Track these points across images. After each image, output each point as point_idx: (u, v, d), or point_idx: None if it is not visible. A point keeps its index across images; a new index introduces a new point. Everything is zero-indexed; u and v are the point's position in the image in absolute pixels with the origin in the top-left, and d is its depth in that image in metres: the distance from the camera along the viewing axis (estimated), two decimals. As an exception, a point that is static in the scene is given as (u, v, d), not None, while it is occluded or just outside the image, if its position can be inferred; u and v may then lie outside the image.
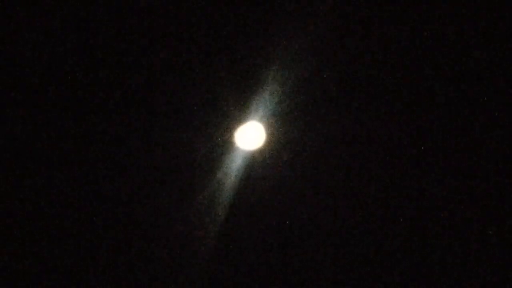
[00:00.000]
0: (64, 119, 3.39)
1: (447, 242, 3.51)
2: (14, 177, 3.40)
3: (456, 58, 3.43)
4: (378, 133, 3.46)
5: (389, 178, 3.50)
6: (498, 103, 3.45)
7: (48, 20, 3.33)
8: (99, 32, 3.33)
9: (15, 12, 3.31)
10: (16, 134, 3.39)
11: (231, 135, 3.41)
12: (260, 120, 3.40)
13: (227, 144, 3.41)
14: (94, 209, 3.42)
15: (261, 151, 3.43)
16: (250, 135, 3.42)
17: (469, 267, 3.49)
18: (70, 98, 3.38)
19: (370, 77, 3.42)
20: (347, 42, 3.37)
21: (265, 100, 3.37)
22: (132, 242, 3.43)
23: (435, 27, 3.38)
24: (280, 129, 3.42)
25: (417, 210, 3.51)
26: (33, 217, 3.43)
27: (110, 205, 3.42)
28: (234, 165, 3.42)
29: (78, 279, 3.43)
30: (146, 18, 3.33)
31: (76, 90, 3.37)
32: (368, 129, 3.45)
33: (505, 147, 3.47)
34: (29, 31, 3.33)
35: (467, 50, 3.43)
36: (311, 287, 3.47)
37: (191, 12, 3.31)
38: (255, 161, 3.44)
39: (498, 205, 3.50)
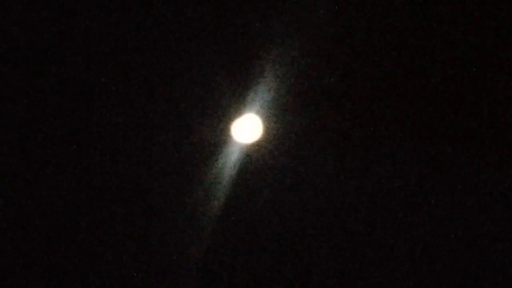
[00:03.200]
0: (61, 113, 3.35)
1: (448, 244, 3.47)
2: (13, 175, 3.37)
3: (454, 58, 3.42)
4: (378, 128, 3.42)
5: (389, 173, 3.45)
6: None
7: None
8: (92, 27, 3.31)
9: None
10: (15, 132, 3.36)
11: (227, 128, 3.36)
12: (257, 113, 3.36)
13: (223, 137, 3.36)
14: (88, 204, 3.35)
15: (258, 145, 3.38)
16: (247, 128, 3.37)
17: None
18: (66, 92, 3.34)
19: (370, 71, 3.39)
20: (346, 35, 3.35)
21: (263, 92, 3.34)
22: (127, 237, 3.36)
23: (435, 26, 3.37)
24: (278, 122, 3.38)
25: (417, 208, 3.46)
26: (25, 214, 3.37)
27: (104, 199, 3.36)
28: (230, 159, 3.37)
29: (72, 277, 3.36)
30: (142, 12, 3.31)
31: (72, 84, 3.34)
32: (367, 123, 3.41)
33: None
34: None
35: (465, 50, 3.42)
36: (309, 284, 3.39)
37: (187, 4, 3.30)
38: (252, 154, 3.38)
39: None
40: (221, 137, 3.36)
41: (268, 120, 3.37)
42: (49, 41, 3.31)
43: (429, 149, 3.44)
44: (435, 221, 3.44)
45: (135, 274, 3.36)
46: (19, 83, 3.34)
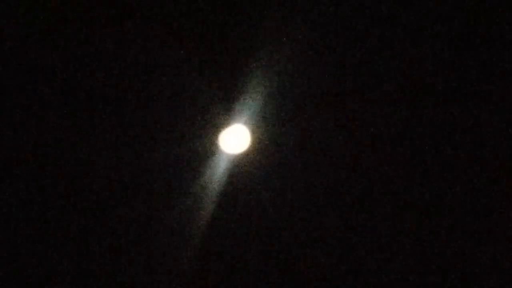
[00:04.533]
0: (50, 120, 3.33)
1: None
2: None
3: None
4: (365, 136, 3.40)
5: (377, 180, 3.47)
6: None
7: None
8: (86, 32, 3.23)
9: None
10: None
11: (215, 139, 3.35)
12: (245, 123, 3.34)
13: (211, 148, 3.35)
14: (77, 216, 3.38)
15: (246, 155, 3.38)
16: (235, 139, 3.36)
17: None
18: (58, 99, 3.30)
19: (356, 80, 3.34)
20: (332, 45, 3.28)
21: (250, 103, 3.30)
22: (114, 248, 3.40)
23: (425, 30, 3.29)
24: (266, 133, 3.36)
25: (401, 211, 3.49)
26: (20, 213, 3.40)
27: (89, 210, 3.38)
28: (218, 169, 3.37)
29: (68, 279, 3.43)
30: (129, 20, 3.22)
31: (63, 93, 3.30)
32: (354, 132, 3.39)
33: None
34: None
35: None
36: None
37: (174, 14, 3.21)
38: (240, 165, 3.38)
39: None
40: (208, 148, 3.36)
41: (256, 130, 3.35)
42: (48, 43, 3.25)
43: (422, 160, 3.45)
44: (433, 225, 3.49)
45: (123, 282, 3.42)
46: (18, 83, 3.31)
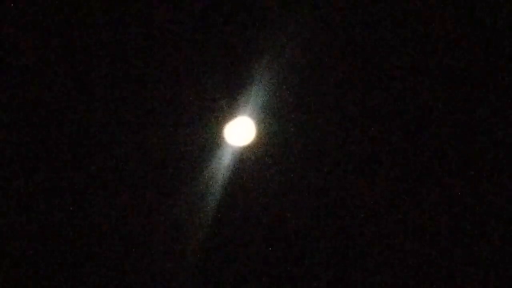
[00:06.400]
0: (51, 117, 3.34)
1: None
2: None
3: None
4: (371, 130, 3.41)
5: (382, 176, 3.44)
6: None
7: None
8: (85, 28, 3.30)
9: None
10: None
11: (220, 131, 3.35)
12: (250, 116, 3.35)
13: (216, 140, 3.35)
14: (81, 208, 3.34)
15: (251, 147, 3.37)
16: (240, 131, 3.36)
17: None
18: (61, 91, 3.33)
19: (362, 73, 3.38)
20: (339, 37, 3.35)
21: (256, 95, 3.33)
22: (119, 241, 3.34)
23: (432, 26, 3.37)
24: (271, 125, 3.37)
25: (409, 209, 3.45)
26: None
27: (95, 203, 3.34)
28: (223, 162, 3.35)
29: (70, 276, 3.34)
30: (133, 15, 3.30)
31: (62, 88, 3.33)
32: (360, 125, 3.40)
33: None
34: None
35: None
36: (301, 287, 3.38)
37: (179, 7, 3.29)
38: (245, 157, 3.37)
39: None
40: (214, 140, 3.35)
41: (261, 122, 3.36)
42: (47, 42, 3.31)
43: (428, 153, 3.43)
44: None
45: (126, 275, 3.34)
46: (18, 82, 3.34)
